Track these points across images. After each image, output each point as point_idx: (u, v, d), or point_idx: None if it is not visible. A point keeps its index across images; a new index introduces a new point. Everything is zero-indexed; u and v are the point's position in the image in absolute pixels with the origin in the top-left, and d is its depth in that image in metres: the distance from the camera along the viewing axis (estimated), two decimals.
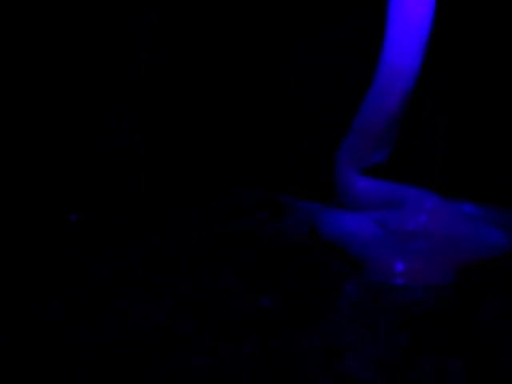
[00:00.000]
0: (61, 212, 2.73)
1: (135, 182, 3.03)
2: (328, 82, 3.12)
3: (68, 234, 2.56)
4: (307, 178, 3.13)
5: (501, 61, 2.91)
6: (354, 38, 2.99)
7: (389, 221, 2.53)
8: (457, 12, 2.85)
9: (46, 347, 1.78)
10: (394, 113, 2.69)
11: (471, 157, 2.99)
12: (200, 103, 3.25)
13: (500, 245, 2.42)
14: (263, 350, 1.76)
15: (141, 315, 1.95)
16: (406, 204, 2.55)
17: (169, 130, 3.20)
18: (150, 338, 1.81)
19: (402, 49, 2.64)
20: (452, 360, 1.72)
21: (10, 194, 2.78)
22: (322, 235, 2.54)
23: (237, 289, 2.14)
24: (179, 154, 3.21)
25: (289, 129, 3.22)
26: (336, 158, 2.86)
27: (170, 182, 3.12)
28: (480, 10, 2.86)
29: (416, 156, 3.00)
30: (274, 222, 2.79)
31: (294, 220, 2.79)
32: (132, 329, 1.86)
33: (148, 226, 2.70)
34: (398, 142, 2.85)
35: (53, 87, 2.94)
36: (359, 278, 2.22)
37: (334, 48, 3.05)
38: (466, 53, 2.93)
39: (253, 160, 3.23)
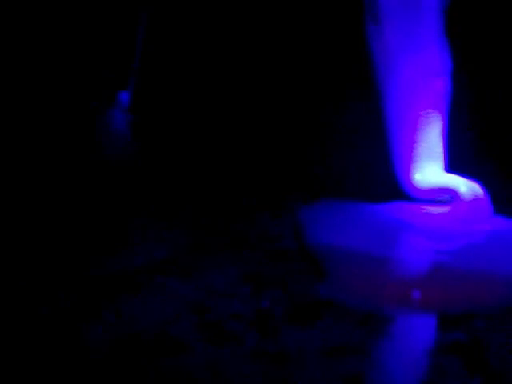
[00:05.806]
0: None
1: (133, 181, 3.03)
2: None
3: (69, 234, 2.56)
4: (308, 178, 3.14)
5: None
6: None
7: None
8: None
9: (45, 346, 1.78)
10: None
11: None
12: (201, 104, 3.26)
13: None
14: (263, 350, 1.76)
15: (141, 315, 1.95)
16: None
17: (172, 134, 3.21)
18: (150, 337, 1.81)
19: None
20: (452, 360, 1.73)
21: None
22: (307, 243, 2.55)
23: (237, 289, 2.14)
24: (179, 154, 3.22)
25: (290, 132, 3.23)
26: None
27: (169, 183, 3.12)
28: None
29: None
30: (274, 222, 2.79)
31: (293, 220, 2.79)
32: (132, 328, 1.86)
33: (147, 227, 2.70)
34: None
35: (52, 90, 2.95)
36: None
37: None
38: None
39: (255, 161, 3.23)
